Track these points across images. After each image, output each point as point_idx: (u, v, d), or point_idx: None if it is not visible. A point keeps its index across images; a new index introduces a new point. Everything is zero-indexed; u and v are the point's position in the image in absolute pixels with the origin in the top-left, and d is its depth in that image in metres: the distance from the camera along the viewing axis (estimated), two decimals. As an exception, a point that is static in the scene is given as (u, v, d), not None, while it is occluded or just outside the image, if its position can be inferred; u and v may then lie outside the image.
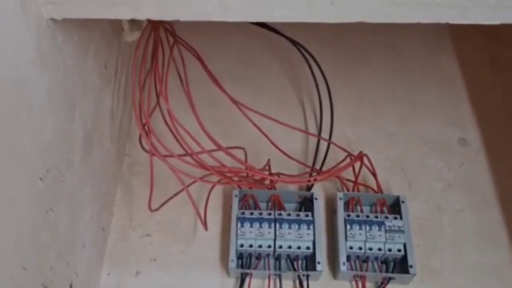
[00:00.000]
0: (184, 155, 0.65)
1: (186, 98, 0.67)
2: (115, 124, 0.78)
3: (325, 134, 0.85)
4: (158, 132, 0.65)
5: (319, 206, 0.76)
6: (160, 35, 0.73)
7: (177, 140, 0.65)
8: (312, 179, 0.73)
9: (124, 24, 0.77)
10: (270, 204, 0.78)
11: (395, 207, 0.77)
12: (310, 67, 0.83)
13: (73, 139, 0.60)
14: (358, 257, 0.73)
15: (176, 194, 0.77)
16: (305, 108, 0.90)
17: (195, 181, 0.68)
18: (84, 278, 0.66)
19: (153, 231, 0.78)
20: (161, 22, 0.74)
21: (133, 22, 0.77)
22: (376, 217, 0.74)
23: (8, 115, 0.43)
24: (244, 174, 0.72)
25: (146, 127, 0.62)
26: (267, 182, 0.76)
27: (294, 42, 0.79)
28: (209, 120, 0.69)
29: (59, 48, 0.53)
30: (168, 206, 0.79)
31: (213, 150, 0.67)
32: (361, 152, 0.76)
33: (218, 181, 0.72)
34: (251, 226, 0.73)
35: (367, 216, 0.74)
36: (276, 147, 0.78)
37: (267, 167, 0.76)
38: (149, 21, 0.72)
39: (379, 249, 0.72)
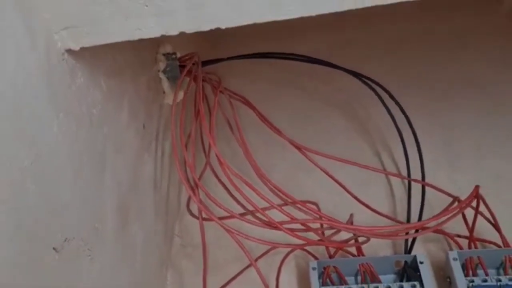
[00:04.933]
0: (244, 213, 0.50)
1: (238, 145, 0.54)
2: (160, 198, 0.66)
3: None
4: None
5: (428, 272, 0.57)
6: (205, 91, 0.64)
7: (232, 195, 0.51)
8: (412, 227, 0.54)
9: (164, 84, 0.69)
10: (360, 277, 0.60)
11: (532, 265, 0.56)
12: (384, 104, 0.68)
13: (102, 205, 0.47)
14: None
15: (242, 271, 0.61)
16: (380, 153, 0.75)
17: (268, 250, 0.52)
18: None
19: (215, 327, 0.61)
20: (205, 76, 0.65)
21: (173, 82, 0.69)
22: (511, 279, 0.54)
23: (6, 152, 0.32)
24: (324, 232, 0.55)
25: (192, 181, 0.49)
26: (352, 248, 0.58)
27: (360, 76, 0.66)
28: (266, 171, 0.55)
29: (81, 91, 0.43)
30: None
31: (282, 205, 0.52)
32: (477, 186, 0.58)
33: (300, 246, 0.54)
34: (342, 306, 0.54)
35: (499, 280, 0.54)
36: (357, 199, 0.62)
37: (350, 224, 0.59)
38: (192, 79, 0.64)
39: (527, 325, 0.51)
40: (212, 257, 0.65)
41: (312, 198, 0.62)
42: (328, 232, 0.57)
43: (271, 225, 0.47)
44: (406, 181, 0.67)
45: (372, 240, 0.61)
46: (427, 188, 0.65)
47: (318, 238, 0.53)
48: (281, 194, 0.50)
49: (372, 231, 0.49)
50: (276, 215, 0.52)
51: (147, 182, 0.62)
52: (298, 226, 0.52)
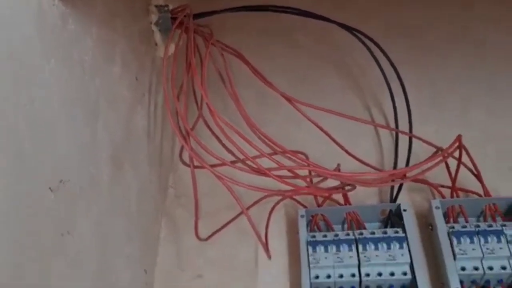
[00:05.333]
0: (235, 161, 0.52)
1: (230, 98, 0.55)
2: (154, 149, 0.68)
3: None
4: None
5: (411, 220, 0.59)
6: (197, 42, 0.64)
7: (223, 145, 0.53)
8: (395, 173, 0.56)
9: (156, 36, 0.70)
10: (346, 225, 0.63)
11: (511, 214, 0.59)
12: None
13: (97, 153, 0.49)
14: (474, 281, 0.55)
15: (233, 219, 0.63)
16: (369, 104, 0.76)
17: (259, 200, 0.53)
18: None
19: (206, 271, 0.64)
20: (196, 28, 0.65)
21: (165, 34, 0.69)
22: (491, 226, 0.56)
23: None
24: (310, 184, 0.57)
25: (183, 130, 0.50)
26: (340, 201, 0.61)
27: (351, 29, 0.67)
28: (258, 124, 0.56)
29: (72, 38, 0.44)
30: (222, 238, 0.66)
31: (272, 154, 0.53)
32: (459, 136, 0.59)
33: (289, 192, 0.56)
34: (326, 251, 0.57)
35: (477, 226, 0.56)
36: (345, 150, 0.64)
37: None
38: (183, 31, 0.64)
39: (503, 268, 0.54)
40: (205, 206, 0.67)
41: (301, 150, 0.64)
42: (315, 181, 0.59)
43: (260, 171, 0.48)
44: (393, 134, 0.69)
45: (359, 190, 0.63)
46: (414, 141, 0.66)
47: (306, 185, 0.55)
48: (270, 144, 0.52)
49: (355, 177, 0.51)
50: (266, 164, 0.54)
51: (140, 133, 0.63)
52: (287, 174, 0.54)
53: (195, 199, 0.57)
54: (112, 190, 0.52)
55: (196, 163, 0.52)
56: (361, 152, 0.67)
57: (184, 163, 0.59)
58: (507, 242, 0.54)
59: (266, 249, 0.58)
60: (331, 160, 0.64)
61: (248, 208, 0.65)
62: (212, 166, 0.50)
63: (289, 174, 0.53)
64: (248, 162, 0.50)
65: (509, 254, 0.53)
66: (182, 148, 0.66)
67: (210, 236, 0.63)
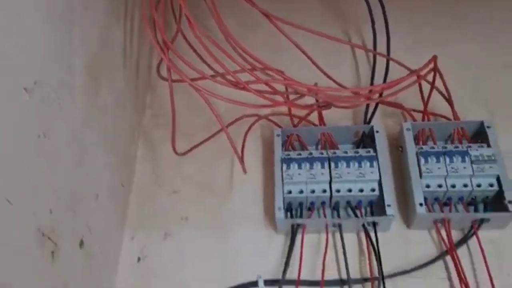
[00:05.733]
0: (215, 75, 0.51)
1: (210, 13, 0.54)
2: (130, 65, 0.66)
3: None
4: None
5: (382, 140, 0.61)
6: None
7: (203, 60, 0.52)
8: (369, 92, 0.57)
9: None
10: (320, 146, 0.64)
11: (478, 137, 0.61)
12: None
13: (71, 61, 0.48)
14: (437, 198, 0.58)
15: (212, 136, 0.64)
16: (348, 30, 0.75)
17: (236, 120, 0.53)
18: (100, 236, 0.54)
19: (183, 187, 0.66)
20: None
21: None
22: (457, 147, 0.59)
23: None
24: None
25: (161, 42, 0.49)
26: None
27: None
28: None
29: None
30: (199, 155, 0.67)
31: (251, 69, 0.53)
32: (434, 57, 0.60)
33: (267, 106, 0.56)
34: (300, 168, 0.59)
35: (445, 147, 0.59)
36: (322, 71, 0.64)
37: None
38: None
39: (465, 186, 0.57)
40: (183, 123, 0.68)
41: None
42: (293, 99, 0.60)
43: (239, 85, 0.49)
44: (371, 59, 0.69)
45: (334, 112, 0.65)
46: (391, 67, 0.67)
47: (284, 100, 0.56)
48: (249, 58, 0.51)
49: (331, 93, 0.52)
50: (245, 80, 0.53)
51: (116, 47, 0.61)
52: (265, 90, 0.54)
53: (172, 112, 0.57)
54: (87, 101, 0.51)
55: (174, 77, 0.52)
56: (339, 74, 0.67)
57: (162, 77, 0.59)
58: (471, 162, 0.57)
59: (242, 162, 0.60)
60: (309, 81, 0.64)
61: (227, 126, 0.66)
62: (191, 80, 0.50)
63: (268, 90, 0.53)
64: (228, 77, 0.50)
65: (471, 173, 0.56)
66: (160, 62, 0.65)
67: (187, 151, 0.64)
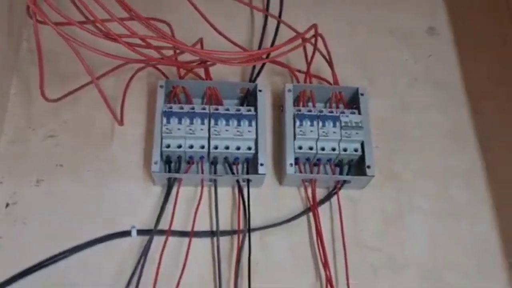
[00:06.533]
0: (84, 22, 0.48)
1: None
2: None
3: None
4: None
5: (264, 100, 0.63)
6: None
7: (74, 4, 0.48)
8: (255, 54, 0.57)
9: None
10: (205, 99, 0.64)
11: (354, 102, 0.65)
12: None
13: None
14: (308, 159, 0.62)
15: (85, 85, 0.61)
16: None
17: (114, 68, 0.51)
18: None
19: (59, 132, 0.63)
20: None
21: None
22: (331, 112, 0.62)
23: None
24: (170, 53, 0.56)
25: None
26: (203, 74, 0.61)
27: None
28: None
29: None
30: (78, 101, 0.64)
31: (127, 19, 0.51)
32: (314, 25, 0.62)
33: (137, 60, 0.55)
34: (180, 122, 0.59)
35: (320, 111, 0.62)
36: (211, 24, 0.63)
37: (197, 47, 0.61)
38: None
39: (333, 149, 0.61)
40: (62, 66, 0.64)
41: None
42: (171, 55, 0.58)
43: (109, 36, 0.46)
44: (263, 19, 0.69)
45: (223, 68, 0.64)
46: (282, 30, 0.67)
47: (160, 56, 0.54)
48: (128, 10, 0.49)
49: (211, 55, 0.51)
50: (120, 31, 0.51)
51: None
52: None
53: (38, 55, 0.53)
54: None
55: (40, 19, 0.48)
56: (230, 31, 0.66)
57: (30, 17, 0.54)
58: (341, 127, 0.61)
59: (115, 117, 0.58)
60: (200, 35, 0.63)
61: (101, 76, 0.63)
62: (57, 24, 0.46)
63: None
64: (99, 25, 0.47)
65: (339, 138, 0.60)
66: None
67: (59, 98, 0.60)
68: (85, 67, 0.49)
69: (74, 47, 0.47)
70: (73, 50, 0.48)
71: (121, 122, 0.60)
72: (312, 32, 0.61)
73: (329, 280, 0.56)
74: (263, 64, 0.66)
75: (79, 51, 0.49)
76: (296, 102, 0.64)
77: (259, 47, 0.67)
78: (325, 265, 0.57)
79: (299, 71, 0.67)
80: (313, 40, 0.61)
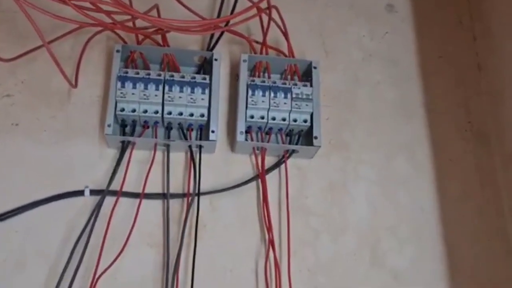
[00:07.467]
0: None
1: None
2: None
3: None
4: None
5: (219, 69, 0.64)
6: None
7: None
8: (208, 24, 0.58)
9: None
10: (163, 65, 0.65)
11: (308, 75, 0.67)
12: None
13: None
14: (260, 128, 0.64)
15: (37, 48, 0.62)
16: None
17: (71, 31, 0.51)
18: None
19: (16, 91, 0.64)
20: None
21: None
22: (284, 83, 0.64)
23: None
24: (126, 18, 0.57)
25: None
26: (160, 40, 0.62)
27: None
28: None
29: None
30: (36, 63, 0.65)
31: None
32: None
33: (89, 24, 0.55)
34: (134, 87, 0.60)
35: (274, 82, 0.64)
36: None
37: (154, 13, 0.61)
38: None
39: (283, 119, 0.63)
40: (20, 27, 0.64)
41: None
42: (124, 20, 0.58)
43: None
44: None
45: (182, 35, 0.65)
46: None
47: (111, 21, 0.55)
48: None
49: (163, 23, 0.52)
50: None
51: None
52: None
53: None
54: None
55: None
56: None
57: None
58: (292, 99, 0.63)
59: (68, 80, 0.59)
60: (162, 7, 0.63)
61: (56, 39, 0.63)
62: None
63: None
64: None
65: (289, 109, 0.63)
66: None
67: (15, 58, 0.61)
68: (36, 29, 0.50)
69: (23, 8, 0.47)
70: (23, 11, 0.48)
71: (74, 85, 0.61)
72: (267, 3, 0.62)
73: (271, 242, 0.59)
74: (221, 33, 0.67)
75: (28, 12, 0.49)
76: (253, 72, 0.66)
77: (218, 16, 0.68)
78: (269, 229, 0.60)
79: (257, 41, 0.68)
80: (268, 11, 0.63)
